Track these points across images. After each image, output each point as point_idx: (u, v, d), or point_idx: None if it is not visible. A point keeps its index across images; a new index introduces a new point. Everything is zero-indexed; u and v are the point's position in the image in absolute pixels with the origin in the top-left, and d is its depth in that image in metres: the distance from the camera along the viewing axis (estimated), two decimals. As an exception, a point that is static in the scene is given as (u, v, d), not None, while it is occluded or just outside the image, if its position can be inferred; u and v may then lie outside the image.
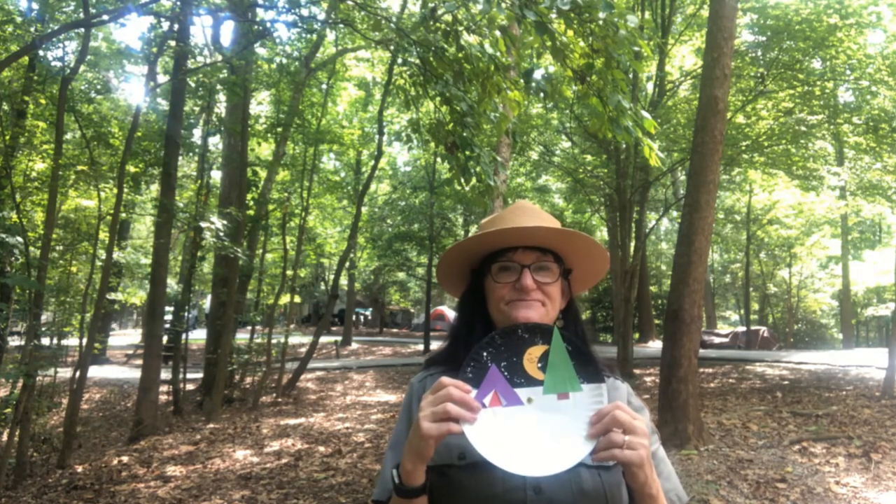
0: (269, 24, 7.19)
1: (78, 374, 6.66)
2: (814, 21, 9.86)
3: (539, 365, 0.91)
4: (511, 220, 1.08)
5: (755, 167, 13.19)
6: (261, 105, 14.27)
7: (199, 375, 10.99)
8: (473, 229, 22.10)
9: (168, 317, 11.57)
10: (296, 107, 11.10)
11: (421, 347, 19.52)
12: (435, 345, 20.40)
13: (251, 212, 10.88)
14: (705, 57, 6.52)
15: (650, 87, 13.76)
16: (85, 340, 6.87)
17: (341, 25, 9.84)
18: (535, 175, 19.48)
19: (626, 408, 0.84)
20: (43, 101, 8.43)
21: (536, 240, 1.06)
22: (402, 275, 28.74)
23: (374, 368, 14.29)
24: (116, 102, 12.01)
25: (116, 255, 9.35)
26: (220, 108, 12.22)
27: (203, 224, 7.88)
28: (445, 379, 0.86)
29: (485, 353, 0.91)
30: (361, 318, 36.69)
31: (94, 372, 11.53)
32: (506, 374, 0.90)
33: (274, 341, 10.99)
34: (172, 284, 13.97)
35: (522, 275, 1.04)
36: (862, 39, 10.46)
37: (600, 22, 3.65)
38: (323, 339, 17.06)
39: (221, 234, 7.97)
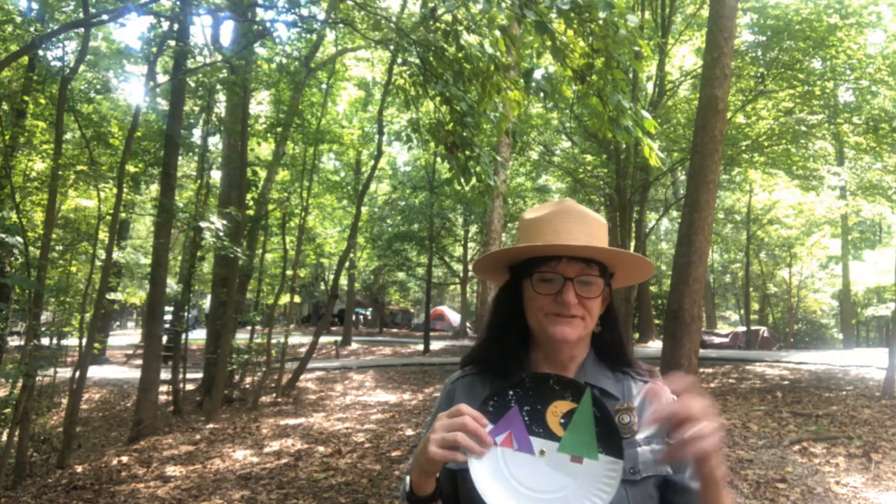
0: (268, 24, 7.18)
1: (77, 374, 6.65)
2: (814, 21, 9.86)
3: (562, 421, 0.88)
4: (558, 228, 1.01)
5: (755, 167, 13.19)
6: (261, 105, 14.26)
7: (199, 375, 10.99)
8: (473, 229, 22.18)
9: (168, 317, 11.58)
10: (296, 107, 11.09)
11: (421, 347, 19.51)
12: (435, 345, 20.40)
13: (251, 212, 10.87)
14: (705, 57, 6.52)
15: (650, 86, 13.77)
16: (84, 340, 6.86)
17: (341, 25, 9.83)
18: (535, 175, 19.50)
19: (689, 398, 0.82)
20: (43, 101, 8.43)
21: (585, 253, 1.00)
22: (401, 275, 28.75)
23: (374, 368, 14.29)
24: (116, 102, 12.02)
25: (116, 255, 9.34)
26: (220, 107, 12.21)
27: (203, 224, 7.88)
28: (464, 407, 0.86)
29: (511, 393, 0.90)
30: (361, 318, 36.69)
31: (94, 372, 11.53)
32: (526, 419, 0.89)
33: (274, 341, 10.98)
34: (172, 284, 13.96)
35: (565, 289, 0.98)
36: (862, 39, 10.47)
37: (600, 22, 3.65)
38: (323, 339, 17.06)
39: (221, 234, 7.96)
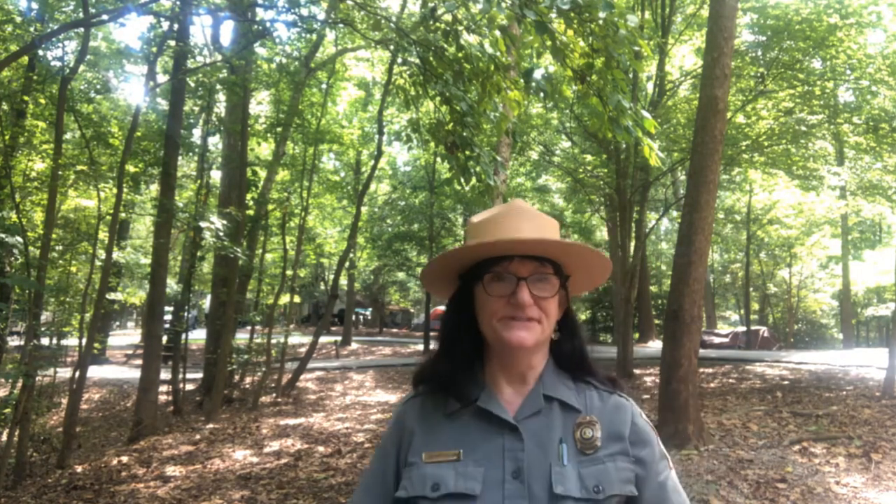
0: (268, 24, 7.18)
1: (77, 374, 6.65)
2: (814, 21, 9.85)
3: None
4: (507, 226, 0.96)
5: (755, 167, 13.18)
6: (260, 105, 14.26)
7: (199, 375, 10.99)
8: (473, 229, 22.09)
9: (168, 317, 11.58)
10: (295, 107, 11.09)
11: (420, 347, 19.51)
12: (435, 345, 20.37)
13: (251, 212, 10.87)
14: (705, 57, 6.52)
15: (650, 86, 13.76)
16: (84, 340, 6.86)
17: (341, 25, 9.83)
18: (535, 175, 19.49)
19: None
20: (42, 101, 8.42)
21: (536, 250, 0.95)
22: (401, 275, 28.74)
23: (374, 368, 14.29)
24: (116, 102, 12.02)
25: (116, 255, 9.35)
26: (220, 107, 12.22)
27: (203, 224, 7.88)
28: None
29: None
30: (361, 318, 36.68)
31: (94, 372, 11.52)
32: None
33: (274, 341, 10.98)
34: (172, 284, 13.97)
35: (519, 289, 0.92)
36: (862, 39, 10.46)
37: (600, 21, 3.65)
38: (323, 339, 17.06)
39: (221, 233, 7.96)
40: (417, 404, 1.01)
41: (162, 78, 9.87)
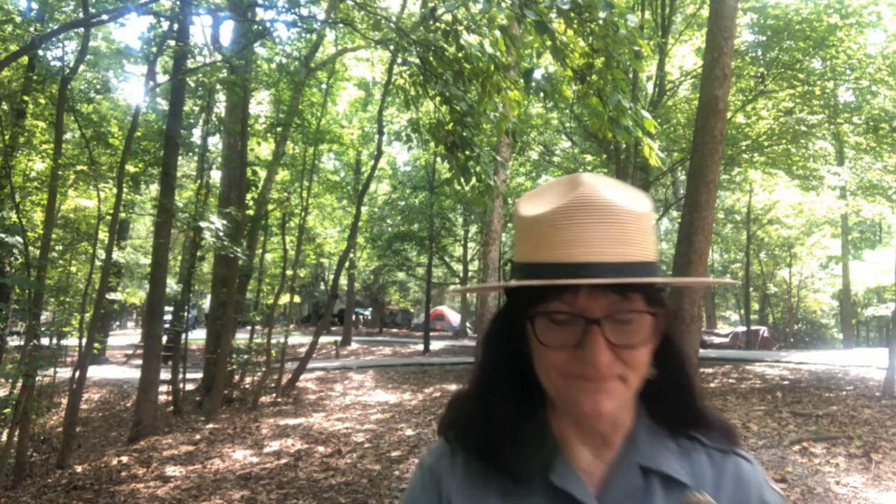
0: (268, 24, 7.18)
1: (77, 374, 6.65)
2: (814, 21, 9.86)
3: None
4: (572, 236, 0.62)
5: (755, 167, 13.19)
6: (260, 105, 14.26)
7: (199, 375, 10.99)
8: (473, 229, 22.18)
9: (168, 317, 11.58)
10: (295, 106, 11.10)
11: (421, 347, 19.51)
12: (435, 345, 20.40)
13: (251, 212, 10.87)
14: (705, 57, 6.52)
15: (650, 86, 13.76)
16: (84, 340, 6.86)
17: (341, 25, 9.83)
18: (535, 175, 19.49)
19: None
20: (42, 101, 8.42)
21: (621, 274, 0.62)
22: (401, 275, 28.74)
23: (374, 368, 14.29)
24: (116, 102, 12.01)
25: (116, 255, 9.34)
26: (220, 107, 12.22)
27: (202, 224, 7.88)
28: None
29: None
30: (361, 318, 36.69)
31: (94, 372, 11.53)
32: None
33: (273, 341, 10.98)
34: (172, 284, 13.96)
35: (590, 339, 0.62)
36: (862, 39, 10.47)
37: (600, 21, 3.65)
38: (322, 339, 17.06)
39: (221, 233, 7.96)
40: (458, 467, 0.72)
41: (162, 78, 9.88)
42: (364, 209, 18.77)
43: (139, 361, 9.71)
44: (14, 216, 6.83)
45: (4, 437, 5.67)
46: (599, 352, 0.61)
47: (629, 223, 0.63)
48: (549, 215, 0.64)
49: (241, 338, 11.84)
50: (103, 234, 8.48)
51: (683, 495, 0.67)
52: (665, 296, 0.68)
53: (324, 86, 13.67)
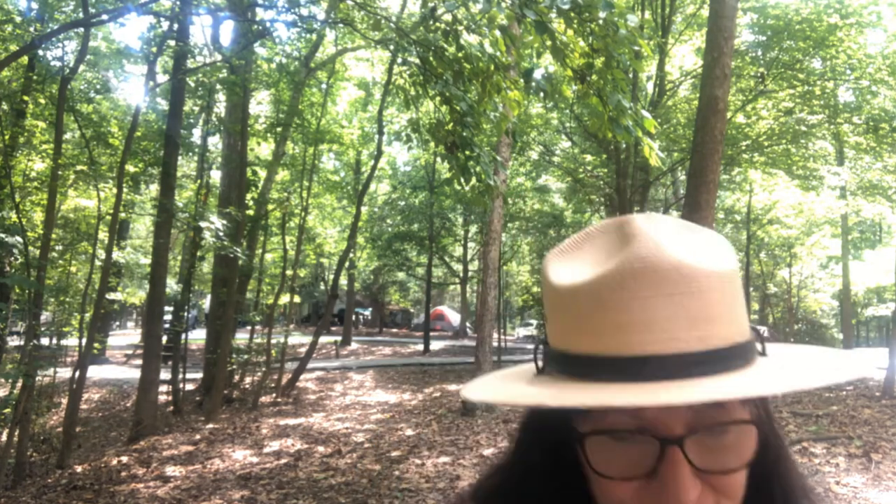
0: (268, 24, 7.18)
1: (77, 374, 6.65)
2: (814, 21, 9.85)
3: None
4: (629, 318, 0.43)
5: (755, 167, 13.19)
6: (260, 105, 14.26)
7: (199, 375, 10.99)
8: (473, 229, 22.17)
9: (168, 317, 11.58)
10: (295, 106, 11.10)
11: (421, 347, 19.50)
12: (435, 345, 20.39)
13: (251, 212, 10.88)
14: (705, 57, 6.52)
15: (650, 86, 13.76)
16: (84, 340, 6.86)
17: (341, 25, 9.83)
18: (535, 175, 19.49)
19: None
20: (42, 101, 8.42)
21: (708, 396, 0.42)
22: (401, 275, 28.74)
23: (374, 368, 14.29)
24: (116, 102, 12.01)
25: (116, 254, 9.34)
26: (220, 107, 12.22)
27: (202, 224, 7.88)
28: None
29: None
30: (361, 318, 36.69)
31: (94, 372, 11.52)
32: None
33: (273, 341, 10.98)
34: (172, 284, 13.96)
35: (669, 468, 0.43)
36: (862, 39, 10.47)
37: (600, 21, 3.65)
38: (322, 339, 17.05)
39: (221, 233, 7.96)
40: None
41: (162, 78, 9.87)
42: (364, 209, 18.76)
43: (139, 361, 9.71)
44: (14, 216, 6.83)
45: (4, 437, 5.67)
46: (684, 486, 0.42)
47: (712, 290, 0.44)
48: (592, 286, 0.45)
49: (241, 338, 11.84)
50: (103, 234, 8.48)
51: None
52: None
53: (324, 86, 13.67)
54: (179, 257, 19.00)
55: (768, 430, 0.50)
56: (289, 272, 12.78)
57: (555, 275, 0.49)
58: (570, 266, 0.48)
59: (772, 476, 0.51)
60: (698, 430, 0.44)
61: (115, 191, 7.62)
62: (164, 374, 8.78)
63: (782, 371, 0.45)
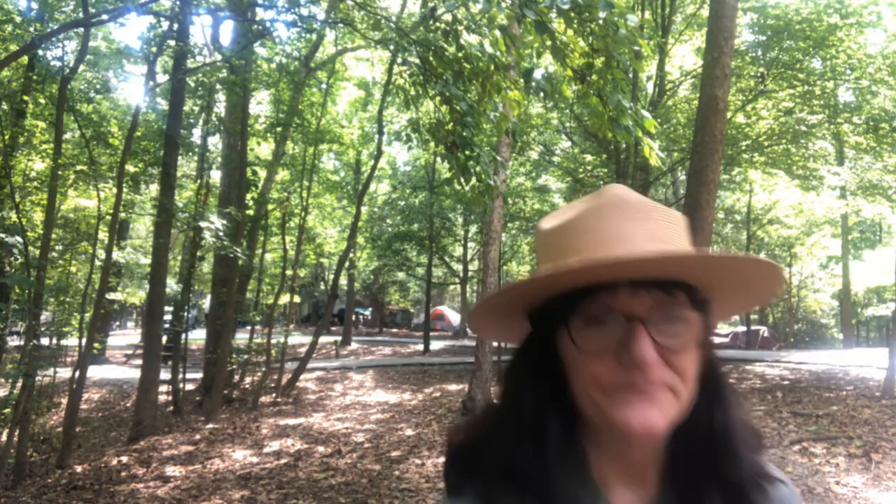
0: (268, 24, 7.18)
1: (77, 374, 6.65)
2: (814, 21, 9.86)
3: None
4: (606, 235, 0.58)
5: (755, 167, 13.19)
6: (260, 105, 14.26)
7: (199, 375, 10.99)
8: (473, 229, 22.19)
9: (168, 317, 11.58)
10: (295, 106, 11.10)
11: (421, 347, 19.50)
12: (435, 345, 20.39)
13: (251, 212, 10.87)
14: (705, 56, 6.52)
15: (650, 86, 13.76)
16: (84, 340, 6.86)
17: (341, 25, 9.83)
18: (535, 175, 19.49)
19: None
20: (42, 101, 8.42)
21: (662, 269, 0.56)
22: (401, 275, 28.73)
23: (374, 368, 14.29)
24: (116, 102, 12.01)
25: (116, 254, 9.34)
26: (220, 107, 12.22)
27: (202, 224, 7.88)
28: None
29: None
30: (361, 318, 36.69)
31: (94, 372, 11.52)
32: None
33: (273, 341, 10.98)
34: (172, 284, 13.96)
35: (634, 338, 0.55)
36: (862, 39, 10.47)
37: (600, 21, 3.65)
38: (322, 339, 17.06)
39: (221, 233, 7.96)
40: None
41: (162, 78, 9.87)
42: (364, 209, 18.77)
43: (139, 361, 9.71)
44: (14, 216, 6.82)
45: (4, 437, 5.67)
46: (647, 349, 0.54)
47: (666, 221, 0.60)
48: (577, 220, 0.60)
49: (241, 338, 11.84)
50: (103, 234, 8.48)
51: None
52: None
53: (324, 86, 13.67)
54: (179, 257, 19.00)
55: (713, 355, 0.64)
56: (289, 272, 12.78)
57: (546, 224, 0.64)
58: (558, 217, 0.63)
59: (714, 389, 0.63)
60: (656, 316, 0.57)
61: (115, 191, 7.62)
62: (164, 374, 8.78)
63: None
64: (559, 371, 0.61)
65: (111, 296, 10.11)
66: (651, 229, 0.58)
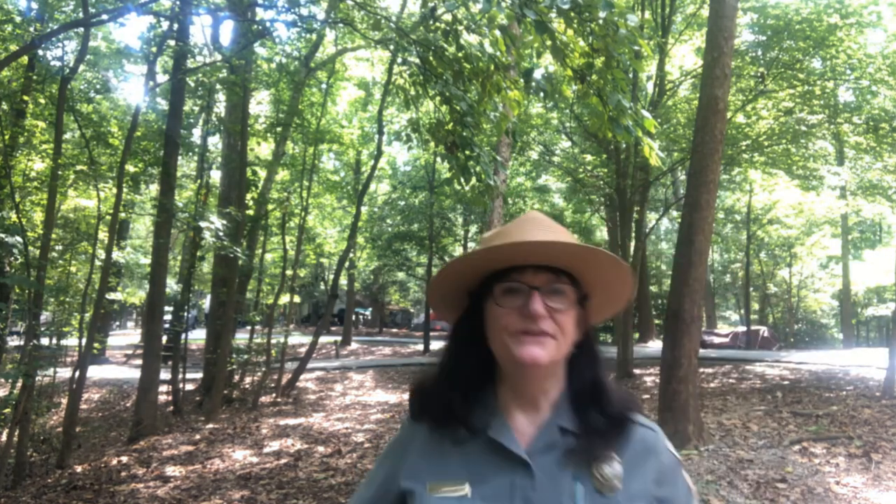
0: (268, 24, 7.17)
1: (77, 374, 6.65)
2: (814, 20, 9.85)
3: None
4: (520, 235, 0.88)
5: (755, 167, 13.19)
6: (260, 105, 14.26)
7: (199, 375, 10.99)
8: (473, 229, 22.20)
9: (168, 317, 11.58)
10: (295, 106, 11.09)
11: (421, 347, 19.50)
12: (435, 345, 20.38)
13: (251, 212, 10.87)
14: (705, 56, 6.51)
15: (650, 86, 13.76)
16: (84, 340, 6.86)
17: (341, 25, 9.83)
18: (535, 175, 19.49)
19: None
20: (42, 101, 8.42)
21: (550, 257, 0.88)
22: (401, 275, 28.75)
23: (374, 368, 14.29)
24: (116, 102, 12.01)
25: (116, 254, 9.34)
26: (220, 107, 12.22)
27: (202, 224, 7.88)
28: None
29: None
30: (361, 318, 36.69)
31: (94, 372, 11.52)
32: None
33: (273, 341, 10.98)
34: (172, 284, 13.96)
35: (531, 298, 0.85)
36: (862, 39, 10.46)
37: (600, 21, 3.65)
38: (322, 339, 17.06)
39: (221, 233, 7.96)
40: (425, 428, 0.93)
41: (162, 78, 9.87)
42: (364, 209, 18.77)
43: (139, 361, 9.71)
44: (14, 216, 6.82)
45: (4, 437, 5.67)
46: (538, 305, 0.84)
47: (559, 229, 0.92)
48: (504, 228, 0.94)
49: (241, 338, 11.84)
50: (103, 234, 8.49)
51: (594, 466, 0.84)
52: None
53: (324, 86, 13.67)
54: (179, 257, 19.00)
55: (591, 332, 0.93)
56: (289, 272, 12.78)
57: (486, 234, 0.98)
58: (496, 229, 0.97)
59: (590, 349, 0.93)
60: (546, 288, 0.87)
61: (115, 191, 7.62)
62: (164, 374, 8.78)
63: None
64: (482, 335, 0.91)
65: (111, 296, 10.11)
66: (546, 227, 0.91)
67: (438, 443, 0.90)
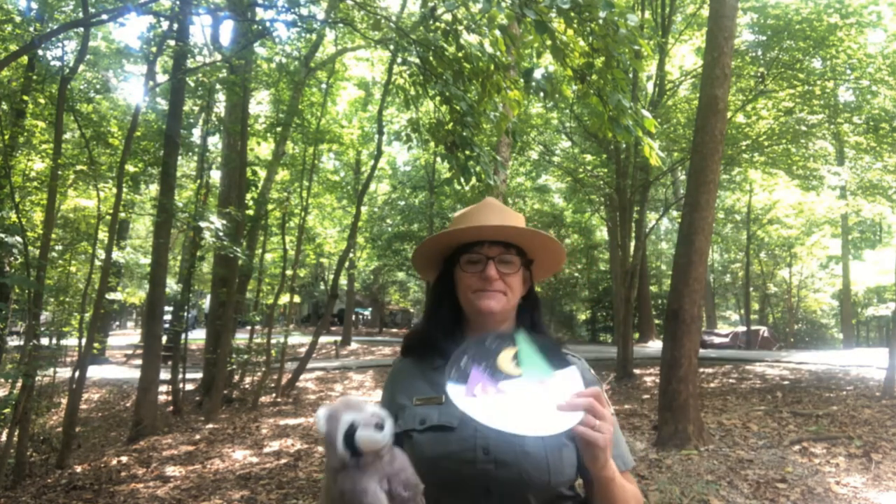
0: (268, 24, 7.17)
1: (77, 374, 6.65)
2: (814, 20, 9.85)
3: (514, 363, 1.05)
4: (479, 218, 1.19)
5: (755, 167, 13.19)
6: (260, 105, 14.26)
7: (199, 375, 10.98)
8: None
9: (168, 317, 11.58)
10: (295, 106, 11.09)
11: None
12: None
13: (251, 211, 10.87)
14: (705, 56, 6.51)
15: (650, 86, 13.75)
16: (84, 340, 6.86)
17: (341, 25, 9.83)
18: (535, 175, 19.49)
19: (602, 397, 0.97)
20: (42, 101, 8.41)
21: (501, 236, 1.18)
22: (401, 275, 28.75)
23: (374, 368, 14.28)
24: (115, 102, 12.00)
25: (116, 254, 9.33)
26: (220, 107, 12.21)
27: (202, 224, 7.87)
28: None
29: (464, 359, 1.05)
30: (361, 317, 36.68)
31: (94, 372, 11.52)
32: (487, 372, 1.04)
33: (273, 341, 10.98)
34: (172, 284, 13.96)
35: (487, 266, 1.16)
36: (862, 39, 10.45)
37: (600, 21, 3.64)
38: (322, 339, 17.05)
39: (221, 233, 7.96)
40: (409, 361, 1.24)
41: (162, 78, 9.87)
42: (364, 209, 18.76)
43: (139, 361, 9.71)
44: (14, 216, 6.82)
45: (4, 437, 5.67)
46: (492, 271, 1.16)
47: (509, 215, 1.21)
48: (469, 211, 1.25)
49: (241, 338, 11.84)
50: (103, 234, 8.48)
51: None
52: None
53: (324, 86, 13.67)
54: (179, 257, 19.00)
55: (533, 290, 1.27)
56: (289, 272, 12.78)
57: (455, 214, 1.27)
58: (460, 211, 1.27)
59: (532, 299, 1.26)
60: (499, 258, 1.18)
61: (114, 191, 7.62)
62: (164, 374, 8.78)
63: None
64: (454, 288, 1.22)
65: (111, 296, 10.10)
66: (501, 217, 1.19)
67: (421, 370, 1.19)
